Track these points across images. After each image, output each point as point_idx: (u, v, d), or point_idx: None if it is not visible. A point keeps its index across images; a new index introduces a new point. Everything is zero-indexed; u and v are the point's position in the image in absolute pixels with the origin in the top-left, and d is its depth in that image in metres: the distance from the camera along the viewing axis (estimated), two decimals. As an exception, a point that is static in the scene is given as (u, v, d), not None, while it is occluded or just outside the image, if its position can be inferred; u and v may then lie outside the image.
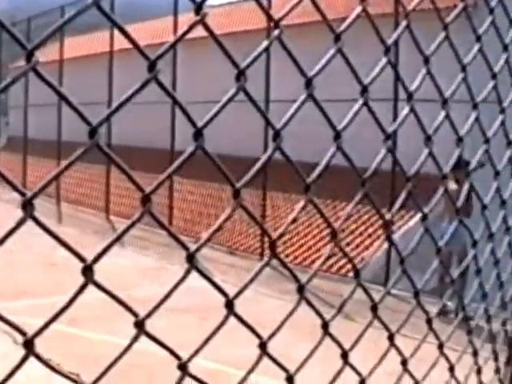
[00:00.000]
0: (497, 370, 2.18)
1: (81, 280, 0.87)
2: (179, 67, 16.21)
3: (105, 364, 0.92)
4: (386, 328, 1.38)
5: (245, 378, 1.10)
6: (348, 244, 13.64)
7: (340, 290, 9.67)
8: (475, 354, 1.94)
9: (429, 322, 1.56)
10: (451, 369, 1.78)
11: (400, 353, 1.47)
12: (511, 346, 2.21)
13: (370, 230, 14.07)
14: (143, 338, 0.94)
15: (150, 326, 0.98)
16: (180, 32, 0.92)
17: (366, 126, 1.29)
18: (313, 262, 13.07)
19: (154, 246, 13.91)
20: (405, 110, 1.28)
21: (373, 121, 1.26)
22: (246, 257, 13.51)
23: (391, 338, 1.41)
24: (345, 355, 1.28)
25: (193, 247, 0.94)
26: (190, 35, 0.91)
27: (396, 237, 12.56)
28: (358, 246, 13.76)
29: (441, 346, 1.65)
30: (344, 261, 13.59)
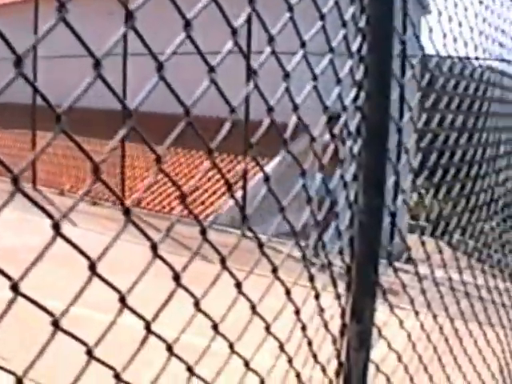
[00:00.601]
0: (337, 297, 2.26)
1: None
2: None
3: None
4: (216, 251, 1.46)
5: (66, 309, 1.13)
6: (206, 191, 14.20)
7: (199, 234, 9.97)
8: (312, 279, 2.03)
9: (260, 246, 1.63)
10: (288, 292, 1.87)
11: (234, 277, 1.54)
12: (349, 273, 2.30)
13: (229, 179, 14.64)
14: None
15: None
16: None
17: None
18: (172, 209, 13.99)
19: (16, 198, 13.72)
20: (227, 46, 1.32)
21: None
22: (108, 206, 14.00)
23: (223, 261, 1.49)
24: (176, 278, 1.34)
25: (16, 169, 0.98)
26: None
27: (252, 183, 13.07)
28: (214, 193, 14.37)
29: (274, 270, 1.74)
30: (204, 207, 14.12)
